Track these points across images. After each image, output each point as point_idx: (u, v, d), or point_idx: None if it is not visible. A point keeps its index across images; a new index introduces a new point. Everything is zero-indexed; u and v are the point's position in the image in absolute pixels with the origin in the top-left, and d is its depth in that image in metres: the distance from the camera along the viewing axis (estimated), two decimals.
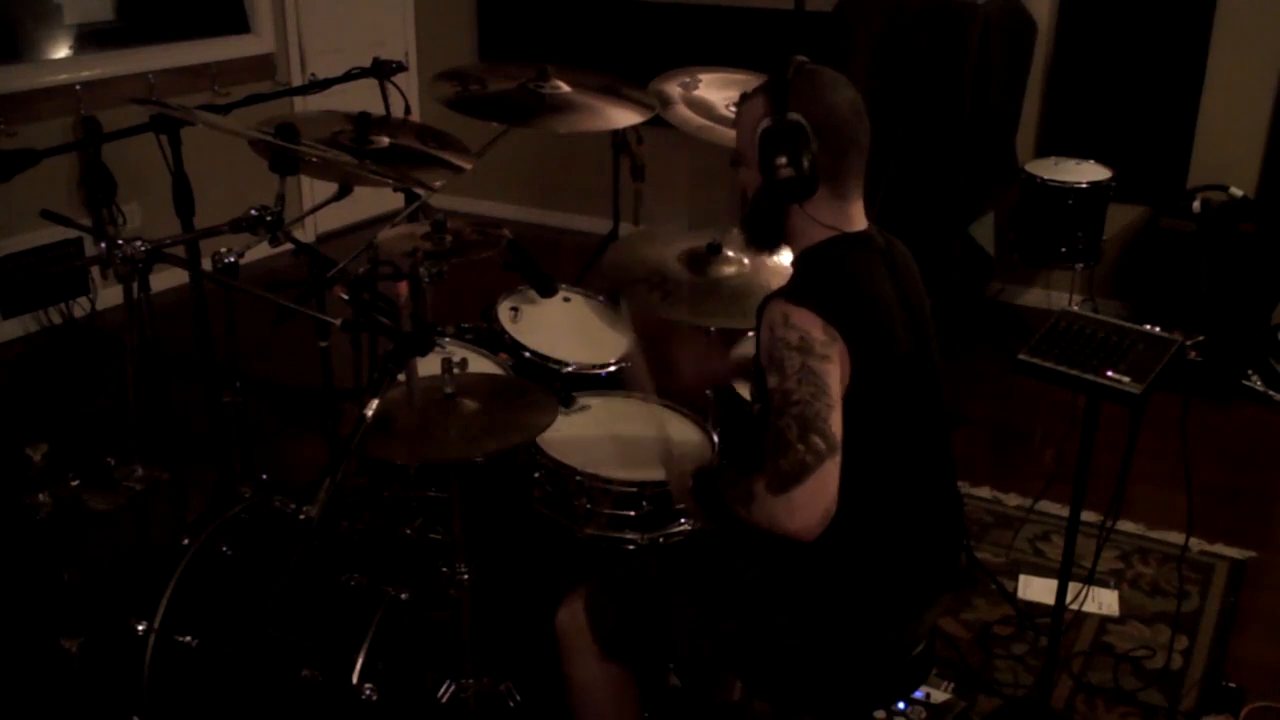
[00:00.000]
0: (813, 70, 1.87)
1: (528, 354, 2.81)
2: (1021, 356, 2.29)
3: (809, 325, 1.75)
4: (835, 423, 1.71)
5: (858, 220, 1.90)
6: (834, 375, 1.73)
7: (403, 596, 2.19)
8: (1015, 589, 3.13)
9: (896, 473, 1.90)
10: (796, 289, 1.83)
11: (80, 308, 4.78)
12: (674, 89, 3.09)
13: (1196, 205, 4.36)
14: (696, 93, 3.10)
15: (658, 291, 2.59)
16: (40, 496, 2.16)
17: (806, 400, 1.70)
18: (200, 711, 2.17)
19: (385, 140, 2.74)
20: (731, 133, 1.99)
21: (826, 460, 1.69)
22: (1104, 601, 3.08)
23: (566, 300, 3.07)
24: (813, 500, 1.68)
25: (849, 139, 1.86)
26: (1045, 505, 3.45)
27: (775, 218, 1.90)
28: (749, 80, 3.07)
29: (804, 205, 1.87)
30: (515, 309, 2.95)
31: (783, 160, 1.82)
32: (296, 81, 5.48)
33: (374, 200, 4.87)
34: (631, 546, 2.45)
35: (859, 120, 1.87)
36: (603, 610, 2.03)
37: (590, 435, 2.62)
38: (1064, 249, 4.40)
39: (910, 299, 1.91)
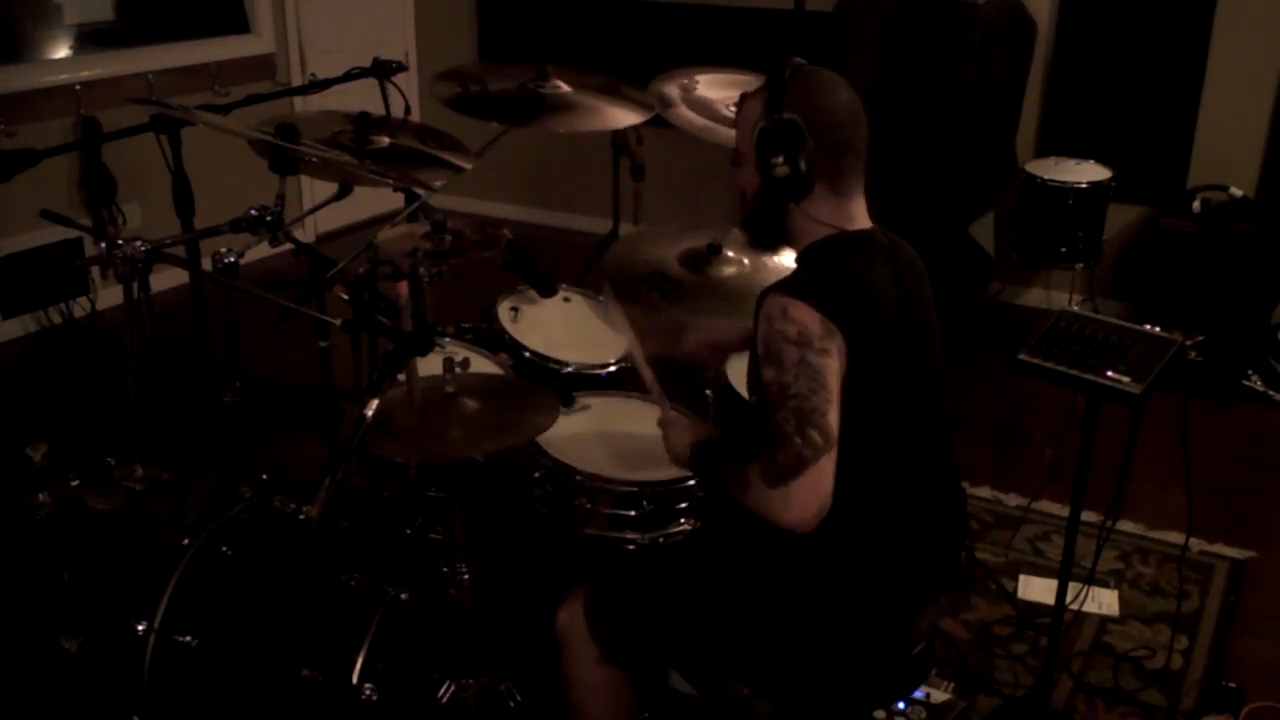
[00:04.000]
0: (809, 71, 1.89)
1: (528, 354, 2.81)
2: (1021, 356, 2.29)
3: (807, 319, 1.75)
4: (833, 418, 1.73)
5: (859, 219, 1.91)
6: (832, 370, 1.74)
7: (403, 596, 2.19)
8: (1015, 589, 3.13)
9: (896, 471, 1.90)
10: (795, 283, 1.84)
11: (80, 308, 4.77)
12: (674, 90, 3.09)
13: (1196, 205, 4.36)
14: (696, 93, 3.10)
15: (657, 291, 2.58)
16: (40, 496, 2.16)
17: (804, 394, 1.72)
18: (200, 711, 2.17)
19: (385, 140, 2.74)
20: (732, 132, 2.00)
21: (823, 455, 1.71)
22: (1104, 601, 3.08)
23: (566, 300, 3.07)
24: (808, 494, 1.71)
25: (846, 138, 1.86)
26: (1045, 505, 3.45)
27: (775, 217, 1.91)
28: (748, 80, 3.07)
29: (803, 204, 1.88)
30: (515, 309, 2.95)
31: (779, 159, 1.83)
32: (296, 81, 5.47)
33: (374, 200, 4.86)
34: (631, 546, 2.45)
35: (855, 120, 1.88)
36: (602, 614, 2.03)
37: (590, 435, 2.62)
38: (1064, 249, 4.40)
39: (913, 299, 1.91)
